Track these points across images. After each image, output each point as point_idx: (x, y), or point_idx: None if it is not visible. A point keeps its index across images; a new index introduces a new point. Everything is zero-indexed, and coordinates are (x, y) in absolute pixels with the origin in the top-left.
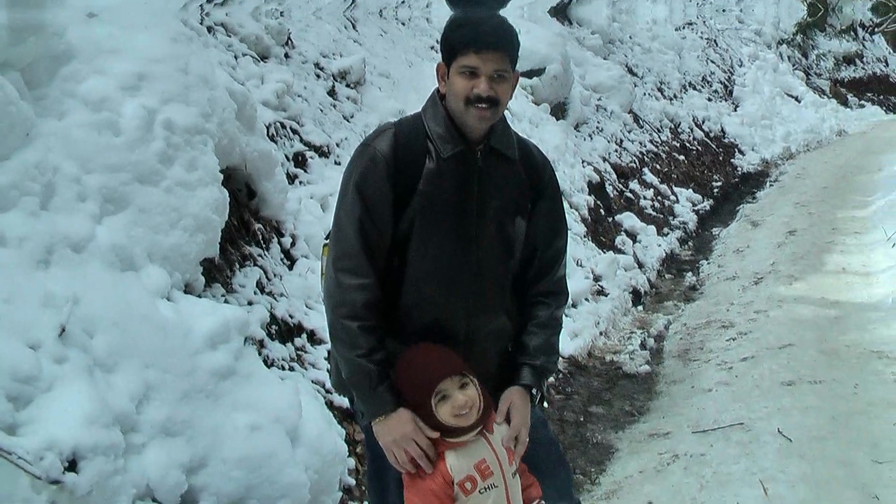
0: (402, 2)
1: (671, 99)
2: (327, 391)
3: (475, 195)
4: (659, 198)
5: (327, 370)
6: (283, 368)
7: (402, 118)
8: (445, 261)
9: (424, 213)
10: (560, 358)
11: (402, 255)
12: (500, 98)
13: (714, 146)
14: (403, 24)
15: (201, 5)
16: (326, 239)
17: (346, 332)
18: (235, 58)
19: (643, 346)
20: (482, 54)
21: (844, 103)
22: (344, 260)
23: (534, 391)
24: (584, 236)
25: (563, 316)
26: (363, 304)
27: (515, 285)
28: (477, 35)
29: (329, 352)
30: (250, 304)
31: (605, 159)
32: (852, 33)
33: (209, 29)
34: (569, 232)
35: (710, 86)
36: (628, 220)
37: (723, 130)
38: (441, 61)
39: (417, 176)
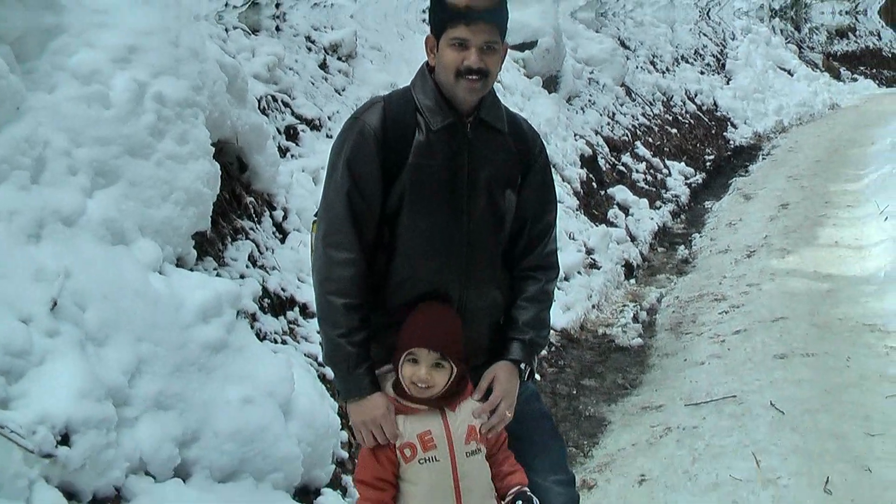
0: None
1: (663, 72)
2: (320, 364)
3: (465, 167)
4: (651, 171)
5: (319, 343)
6: (276, 342)
7: (391, 92)
8: (436, 233)
9: (414, 185)
10: (552, 331)
11: (392, 228)
12: (491, 70)
13: (706, 119)
14: None
15: None
16: (316, 216)
17: (330, 308)
18: (226, 30)
19: (635, 319)
20: (472, 26)
21: (837, 77)
22: (333, 234)
23: (522, 366)
24: (577, 210)
25: (555, 290)
26: (350, 278)
27: (505, 259)
28: (467, 7)
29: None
30: (242, 277)
31: (597, 132)
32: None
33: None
34: (561, 205)
35: (703, 59)
36: (620, 193)
37: (715, 104)
38: (430, 34)
39: (407, 149)
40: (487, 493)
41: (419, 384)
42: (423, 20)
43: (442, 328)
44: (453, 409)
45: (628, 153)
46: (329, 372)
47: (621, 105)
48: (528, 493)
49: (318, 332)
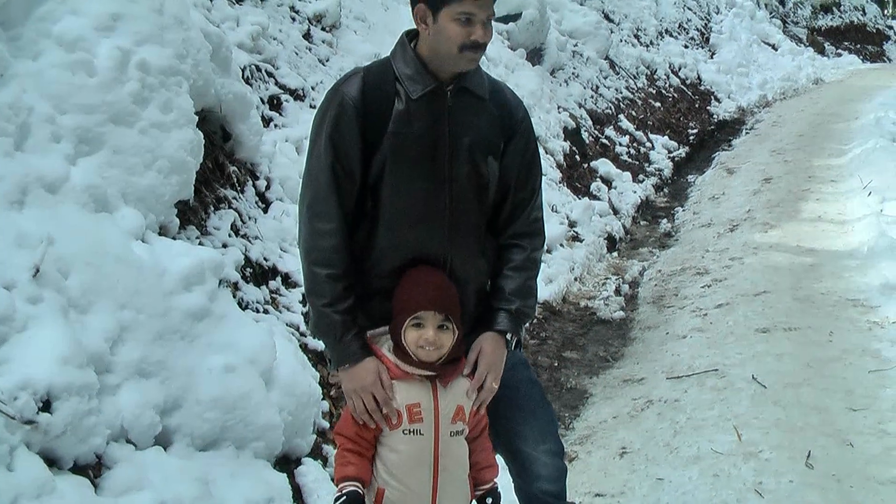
0: None
1: (647, 45)
2: (301, 334)
3: (446, 134)
4: (634, 144)
5: (302, 313)
6: (258, 311)
7: (371, 62)
8: (418, 201)
9: (395, 154)
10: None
11: (375, 197)
12: (489, 41)
13: (690, 93)
14: None
15: None
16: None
17: (315, 278)
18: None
19: (618, 292)
20: (479, 1)
21: (821, 52)
22: (317, 205)
23: (509, 336)
24: (560, 182)
25: (541, 259)
26: (332, 248)
27: (491, 227)
28: None
29: (303, 295)
30: (225, 246)
31: (580, 105)
32: None
33: None
34: (544, 178)
35: (687, 33)
36: (604, 166)
37: (699, 78)
38: (420, 4)
39: (387, 118)
40: (463, 473)
41: (427, 347)
42: None
43: (444, 291)
44: (445, 385)
45: (612, 126)
46: (311, 341)
47: (605, 78)
48: (499, 491)
49: (301, 302)
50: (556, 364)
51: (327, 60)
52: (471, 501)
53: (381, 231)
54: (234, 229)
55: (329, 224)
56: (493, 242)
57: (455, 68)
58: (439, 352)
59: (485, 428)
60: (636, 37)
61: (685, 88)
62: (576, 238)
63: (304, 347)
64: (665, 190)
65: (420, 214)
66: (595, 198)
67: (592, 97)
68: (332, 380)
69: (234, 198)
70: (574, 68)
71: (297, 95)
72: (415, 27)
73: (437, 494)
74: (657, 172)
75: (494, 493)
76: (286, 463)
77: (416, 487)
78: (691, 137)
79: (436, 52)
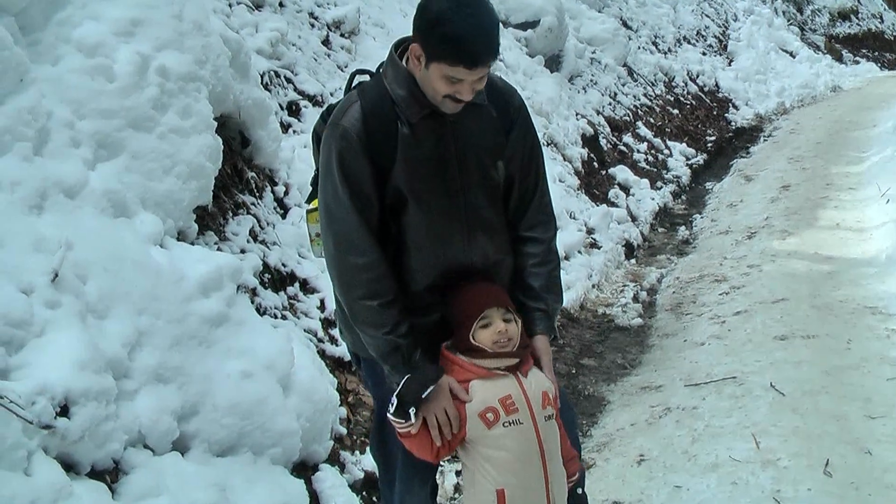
0: None
1: (665, 52)
2: (319, 340)
3: (452, 149)
4: (652, 151)
5: (319, 319)
6: (276, 317)
7: (363, 85)
8: (437, 217)
9: (408, 177)
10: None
11: (397, 221)
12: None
13: (708, 100)
14: None
15: None
16: (308, 203)
17: (367, 311)
18: (230, 5)
19: (636, 299)
20: (472, 70)
21: (839, 59)
22: (345, 241)
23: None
24: (578, 189)
25: (556, 244)
26: (377, 279)
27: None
28: (470, 53)
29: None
30: (243, 252)
31: (598, 112)
32: None
33: None
34: (562, 184)
35: (705, 40)
36: (622, 173)
37: (717, 85)
38: (416, 43)
39: (393, 144)
40: (560, 459)
41: (502, 339)
42: None
43: (496, 289)
44: (525, 374)
45: (629, 133)
46: (329, 347)
47: (623, 85)
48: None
49: (319, 308)
50: (573, 371)
51: (346, 67)
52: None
53: (410, 252)
54: (253, 235)
55: (365, 257)
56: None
57: (437, 106)
58: (512, 341)
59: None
60: (654, 44)
61: (703, 96)
62: (594, 245)
63: (322, 353)
64: (683, 197)
65: (441, 229)
66: (613, 205)
67: (610, 104)
68: (351, 386)
69: (253, 203)
70: (592, 75)
71: (316, 101)
72: (407, 35)
73: (549, 482)
74: (675, 179)
75: (581, 483)
76: (303, 469)
77: (532, 480)
78: (709, 145)
79: (422, 84)
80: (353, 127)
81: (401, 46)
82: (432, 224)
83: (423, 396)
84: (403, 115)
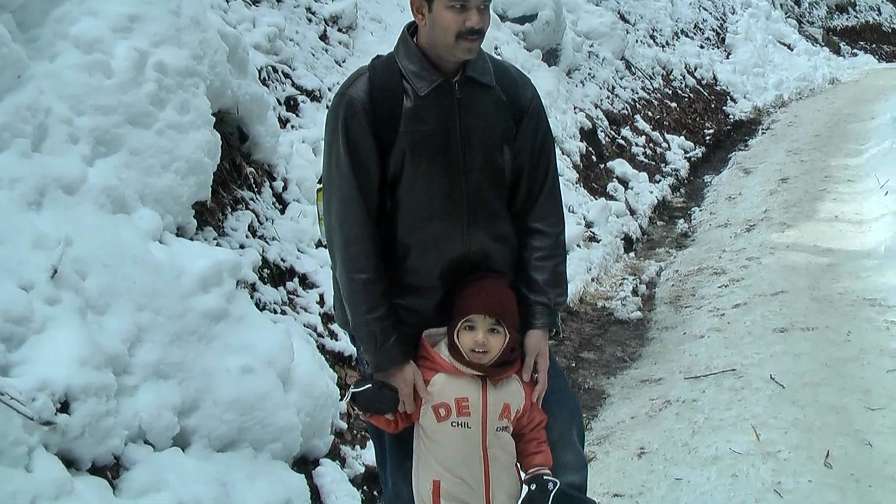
0: None
1: (663, 46)
2: (319, 335)
3: (457, 127)
4: (651, 145)
5: (319, 314)
6: (275, 312)
7: (375, 61)
8: (437, 196)
9: (410, 152)
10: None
11: (393, 196)
12: (486, 28)
13: (706, 94)
14: None
15: None
16: (319, 183)
17: (352, 285)
18: (227, 1)
19: (635, 292)
20: None
21: (837, 52)
22: (344, 212)
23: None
24: (576, 183)
25: (565, 240)
26: (364, 253)
27: (510, 212)
28: None
29: (333, 293)
30: (242, 247)
31: (596, 106)
32: None
33: None
34: (560, 178)
35: (703, 33)
36: (620, 166)
37: (715, 78)
38: None
39: (397, 117)
40: (511, 461)
41: (477, 349)
42: None
43: (497, 296)
44: (496, 383)
45: (628, 127)
46: (329, 342)
47: (621, 79)
48: (545, 477)
49: (319, 303)
50: (573, 365)
51: (344, 61)
52: (520, 488)
53: (402, 229)
54: (252, 230)
55: (356, 229)
56: (515, 227)
57: (453, 58)
58: (488, 355)
59: (541, 424)
60: (652, 37)
61: (701, 89)
62: (593, 238)
63: (322, 348)
64: (681, 190)
65: (439, 208)
66: (612, 198)
67: (608, 98)
68: (352, 381)
69: (252, 199)
70: (590, 69)
71: (314, 96)
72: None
73: (489, 482)
74: (673, 173)
75: (539, 480)
76: (304, 464)
77: (469, 478)
78: (707, 138)
79: (434, 43)
80: (359, 97)
81: (412, 27)
82: (430, 202)
83: (361, 390)
84: (412, 88)
